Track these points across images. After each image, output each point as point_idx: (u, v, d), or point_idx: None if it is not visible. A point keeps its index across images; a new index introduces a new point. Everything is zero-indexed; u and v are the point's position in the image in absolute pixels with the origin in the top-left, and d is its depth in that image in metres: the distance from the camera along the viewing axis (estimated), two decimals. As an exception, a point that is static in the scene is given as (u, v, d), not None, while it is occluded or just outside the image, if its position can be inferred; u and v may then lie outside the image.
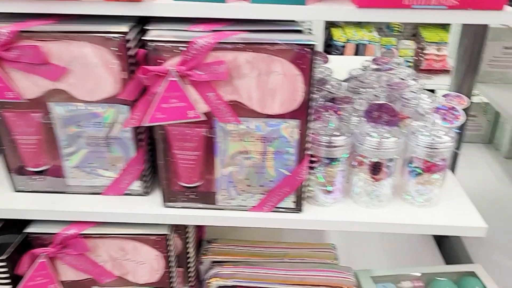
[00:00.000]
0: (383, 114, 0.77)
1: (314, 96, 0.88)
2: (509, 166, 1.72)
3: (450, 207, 0.83)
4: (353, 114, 0.87)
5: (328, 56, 1.11)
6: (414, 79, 1.03)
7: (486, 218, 1.33)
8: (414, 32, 2.56)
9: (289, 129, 0.73)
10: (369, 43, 2.44)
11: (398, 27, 2.56)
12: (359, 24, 2.56)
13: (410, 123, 0.93)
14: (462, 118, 0.81)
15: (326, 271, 0.92)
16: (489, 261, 1.23)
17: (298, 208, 0.81)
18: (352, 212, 0.82)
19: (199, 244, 1.03)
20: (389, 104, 0.76)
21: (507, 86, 1.48)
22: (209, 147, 0.76)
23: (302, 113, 0.72)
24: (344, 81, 1.04)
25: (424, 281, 1.03)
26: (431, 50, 2.29)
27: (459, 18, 0.71)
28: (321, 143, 0.78)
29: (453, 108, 0.83)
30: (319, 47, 2.35)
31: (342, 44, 2.47)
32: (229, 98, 0.71)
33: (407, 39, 2.47)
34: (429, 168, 0.80)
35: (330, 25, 2.56)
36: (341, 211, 0.82)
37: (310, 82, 0.70)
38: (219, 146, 0.75)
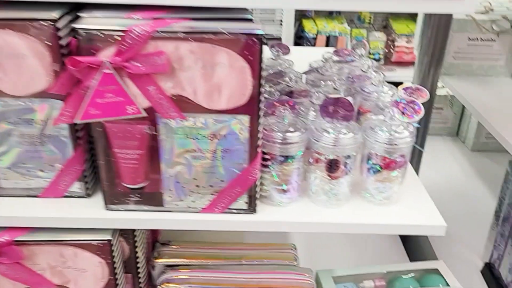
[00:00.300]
0: (339, 109, 0.73)
1: (268, 89, 0.83)
2: (475, 159, 1.72)
3: (409, 205, 0.80)
4: (311, 108, 0.83)
5: (295, 47, 1.06)
6: (376, 71, 0.99)
7: (451, 212, 1.31)
8: (384, 24, 2.53)
9: (239, 126, 0.68)
10: (340, 35, 2.41)
11: (369, 19, 2.54)
12: (330, 16, 2.52)
13: (370, 117, 0.89)
14: (421, 112, 0.77)
15: (285, 274, 0.88)
16: (455, 256, 1.22)
17: (251, 209, 0.76)
18: (309, 212, 0.78)
19: (154, 246, 0.98)
20: (345, 98, 0.72)
21: (472, 79, 1.46)
22: (153, 146, 0.70)
23: (252, 108, 0.67)
24: (304, 73, 1.00)
25: (387, 280, 1.00)
26: (401, 42, 2.27)
27: (417, 7, 0.67)
28: (275, 140, 0.73)
29: (412, 102, 0.79)
30: (290, 39, 2.30)
31: (313, 36, 2.43)
32: (172, 92, 0.66)
33: (377, 31, 2.45)
34: (388, 165, 0.76)
35: (301, 16, 2.52)
36: (297, 211, 0.78)
37: (259, 74, 0.65)
38: (164, 144, 0.70)
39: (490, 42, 1.39)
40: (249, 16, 0.66)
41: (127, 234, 0.82)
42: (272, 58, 1.06)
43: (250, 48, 0.62)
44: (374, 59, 2.19)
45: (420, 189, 0.84)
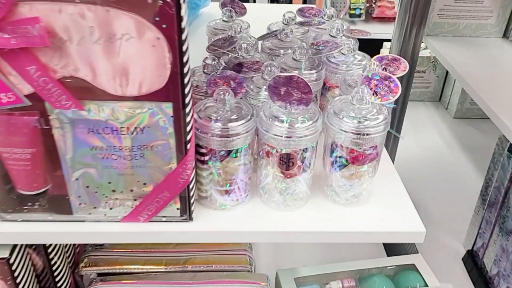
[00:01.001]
0: (293, 91, 0.56)
1: (211, 62, 0.66)
2: (457, 127, 1.58)
3: (382, 204, 0.65)
4: (263, 87, 0.66)
5: (259, 4, 0.88)
6: (347, 37, 0.82)
7: (431, 189, 1.19)
8: (365, -24, 2.32)
9: (159, 116, 0.52)
10: (318, -9, 2.20)
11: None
12: (306, -31, 2.29)
13: (337, 94, 0.73)
14: (398, 91, 0.62)
15: (235, 284, 0.74)
16: (435, 241, 1.10)
17: (186, 217, 0.60)
18: (260, 216, 0.63)
19: (85, 249, 0.83)
20: (300, 77, 0.55)
21: (458, 40, 1.30)
22: (49, 143, 0.53)
23: (174, 93, 0.50)
24: (260, 39, 0.82)
25: (357, 279, 0.87)
26: (383, -4, 2.08)
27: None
28: (213, 131, 0.57)
29: (388, 78, 0.63)
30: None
31: (289, -9, 2.22)
32: (62, 74, 0.48)
33: (358, -15, 2.24)
34: (356, 158, 0.61)
35: (275, -31, 2.29)
36: (245, 216, 0.63)
37: (180, 48, 0.47)
38: (62, 141, 0.53)
39: (480, -1, 1.22)
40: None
41: (38, 244, 0.67)
42: (224, 20, 0.88)
43: (164, 12, 0.45)
44: (355, 14, 2.01)
45: (396, 183, 0.70)
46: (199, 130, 0.57)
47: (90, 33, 0.46)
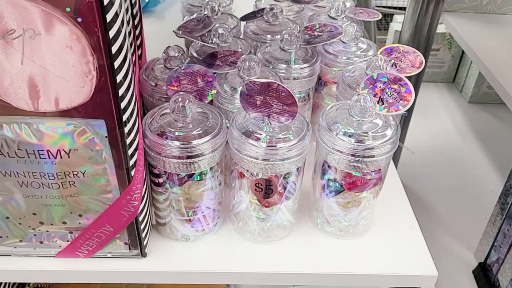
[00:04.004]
0: (273, 101, 0.43)
1: (175, 54, 0.52)
2: (472, 112, 1.43)
3: (385, 236, 0.53)
4: (238, 87, 0.52)
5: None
6: (350, 18, 0.68)
7: (442, 187, 1.06)
8: None
9: (88, 136, 0.39)
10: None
11: None
12: None
13: (335, 92, 0.59)
14: (411, 99, 0.48)
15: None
16: (443, 248, 0.98)
17: (137, 252, 0.48)
18: (231, 251, 0.51)
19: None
20: (281, 85, 0.41)
21: (479, 17, 1.14)
22: (-51, 166, 0.41)
23: (106, 107, 0.37)
24: (243, 19, 0.68)
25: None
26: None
27: None
28: (168, 151, 0.44)
29: (398, 81, 0.49)
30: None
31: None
32: None
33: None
34: (354, 184, 0.48)
35: None
36: (213, 250, 0.51)
37: (108, 50, 0.34)
38: (-37, 165, 0.40)
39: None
40: None
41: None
42: (201, -5, 0.74)
43: (82, 3, 0.31)
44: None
45: (401, 204, 0.57)
46: (150, 149, 0.44)
47: (-22, 27, 0.32)
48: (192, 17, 0.65)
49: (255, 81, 0.42)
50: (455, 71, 1.53)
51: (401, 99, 0.48)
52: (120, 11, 0.34)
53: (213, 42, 0.58)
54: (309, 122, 0.47)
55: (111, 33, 0.33)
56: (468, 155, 1.26)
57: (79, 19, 0.32)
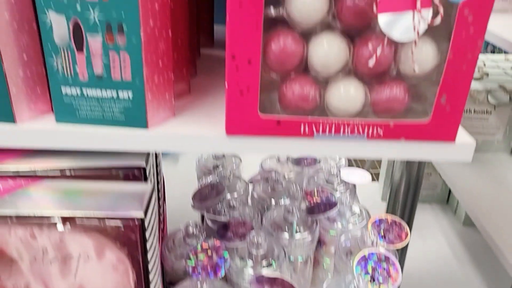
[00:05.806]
0: (278, 290, 0.50)
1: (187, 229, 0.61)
2: (468, 236, 1.49)
3: None
4: (249, 262, 0.59)
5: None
6: (344, 183, 0.77)
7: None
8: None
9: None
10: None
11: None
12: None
13: (333, 252, 0.67)
14: (398, 278, 0.55)
15: None
16: None
17: None
18: None
19: None
20: (286, 280, 0.49)
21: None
22: None
23: (140, 308, 0.44)
24: (251, 182, 0.77)
25: None
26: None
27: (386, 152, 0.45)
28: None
29: (386, 259, 0.57)
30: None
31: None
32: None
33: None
34: None
35: None
36: None
37: (145, 269, 0.42)
38: None
39: (485, 115, 1.18)
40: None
41: None
42: (212, 157, 0.84)
43: (127, 234, 0.40)
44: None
45: None
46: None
47: (43, 253, 0.41)
48: (206, 183, 0.74)
49: (262, 275, 0.49)
50: (448, 193, 1.62)
51: (389, 277, 0.55)
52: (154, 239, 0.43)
53: (225, 211, 0.66)
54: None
55: (149, 255, 0.41)
56: (466, 282, 1.30)
57: (126, 248, 0.40)
